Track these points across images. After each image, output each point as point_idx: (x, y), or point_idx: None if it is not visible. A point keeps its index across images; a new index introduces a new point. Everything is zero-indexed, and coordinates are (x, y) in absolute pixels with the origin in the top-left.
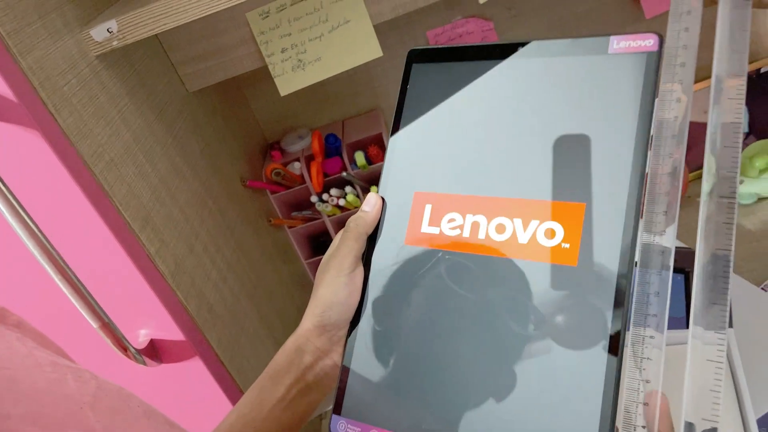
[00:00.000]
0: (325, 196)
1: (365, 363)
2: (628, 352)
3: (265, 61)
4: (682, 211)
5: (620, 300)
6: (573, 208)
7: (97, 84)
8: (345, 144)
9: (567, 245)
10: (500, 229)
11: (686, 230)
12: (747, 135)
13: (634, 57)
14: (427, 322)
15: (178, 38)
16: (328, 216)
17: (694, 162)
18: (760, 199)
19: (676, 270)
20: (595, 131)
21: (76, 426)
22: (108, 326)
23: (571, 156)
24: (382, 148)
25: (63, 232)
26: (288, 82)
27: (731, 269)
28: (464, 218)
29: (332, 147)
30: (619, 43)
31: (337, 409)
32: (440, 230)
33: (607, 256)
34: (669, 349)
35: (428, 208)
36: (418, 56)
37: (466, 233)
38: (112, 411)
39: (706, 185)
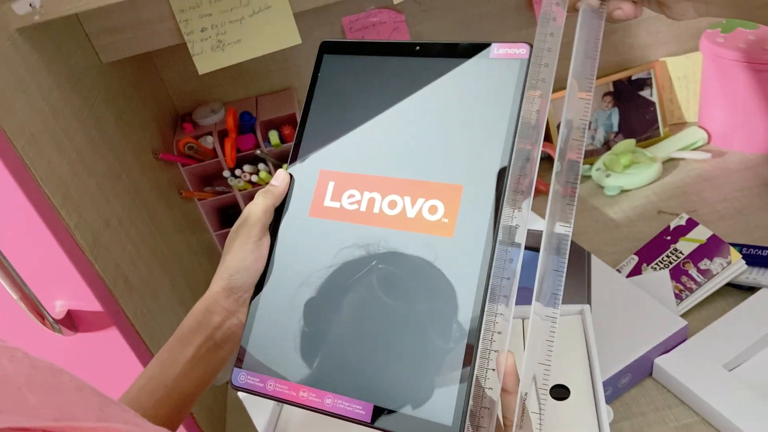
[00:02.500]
0: (237, 172)
1: (266, 322)
2: (482, 324)
3: (183, 38)
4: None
5: (484, 268)
6: (453, 188)
7: (18, 58)
8: (259, 122)
9: (446, 220)
10: (392, 204)
11: None
12: (616, 134)
13: (509, 62)
14: (323, 286)
15: (94, 9)
16: (240, 191)
17: None
18: (623, 191)
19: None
20: (475, 124)
21: (17, 408)
22: (28, 297)
23: (454, 144)
24: (296, 129)
25: None
26: (207, 61)
27: (569, 247)
28: (362, 195)
29: (246, 124)
30: (498, 50)
31: (239, 363)
32: (341, 205)
33: (478, 231)
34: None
35: (331, 184)
36: (329, 48)
37: (363, 208)
38: (48, 389)
39: (556, 165)
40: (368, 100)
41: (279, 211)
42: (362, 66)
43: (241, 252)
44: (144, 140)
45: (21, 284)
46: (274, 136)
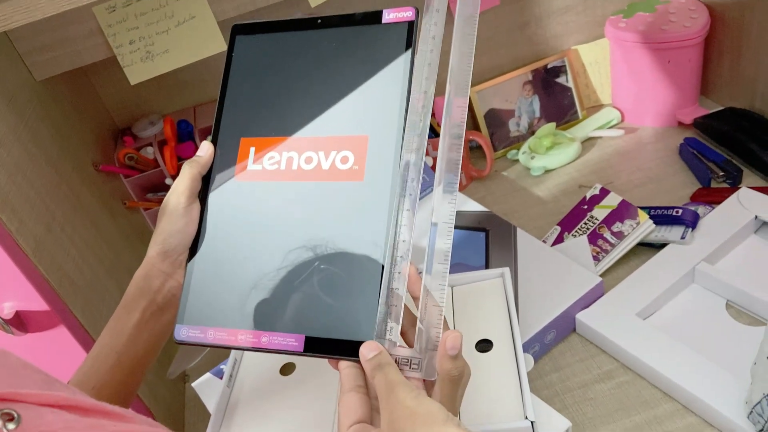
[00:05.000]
0: None
1: (203, 279)
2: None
3: (113, 52)
4: (490, 183)
5: (393, 202)
6: (360, 139)
7: None
8: (197, 129)
9: (356, 167)
10: (308, 160)
11: (493, 198)
12: (539, 119)
13: (399, 25)
14: (252, 239)
15: (24, 29)
16: None
17: (499, 142)
18: (548, 171)
19: (478, 229)
20: (375, 81)
21: None
22: None
23: (358, 101)
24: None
25: None
26: (137, 72)
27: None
28: (281, 155)
29: (185, 132)
30: (389, 15)
31: (180, 319)
32: (263, 167)
33: (384, 174)
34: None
35: (252, 150)
36: (240, 29)
37: (283, 166)
38: None
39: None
40: (279, 72)
41: (206, 179)
42: (272, 42)
43: (172, 217)
44: (84, 153)
45: None
46: None
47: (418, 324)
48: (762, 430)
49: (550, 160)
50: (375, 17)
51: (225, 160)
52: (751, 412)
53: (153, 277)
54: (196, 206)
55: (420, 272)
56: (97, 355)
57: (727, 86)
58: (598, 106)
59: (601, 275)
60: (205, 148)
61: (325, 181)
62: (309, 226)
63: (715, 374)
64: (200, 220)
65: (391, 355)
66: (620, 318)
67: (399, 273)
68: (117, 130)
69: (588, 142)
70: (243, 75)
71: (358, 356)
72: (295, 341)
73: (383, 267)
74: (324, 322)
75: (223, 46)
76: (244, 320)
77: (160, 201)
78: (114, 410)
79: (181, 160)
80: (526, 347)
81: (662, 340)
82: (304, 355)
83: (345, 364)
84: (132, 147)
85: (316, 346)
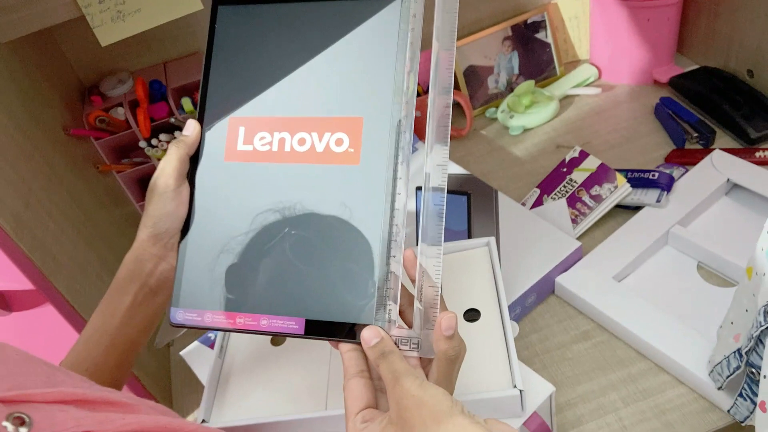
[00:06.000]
0: (154, 141)
1: (196, 262)
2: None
3: (81, 12)
4: (468, 142)
5: (389, 187)
6: (354, 120)
7: None
8: (170, 89)
9: (352, 150)
10: (302, 142)
11: (472, 158)
12: (518, 76)
13: (392, 1)
14: (244, 221)
15: None
16: (158, 160)
17: (478, 100)
18: (526, 130)
19: (460, 192)
20: (368, 59)
21: None
22: None
23: (351, 80)
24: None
25: None
26: (108, 32)
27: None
28: (272, 136)
29: (157, 93)
30: None
31: (175, 302)
32: (254, 147)
33: (380, 158)
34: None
35: (242, 129)
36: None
37: (275, 148)
38: None
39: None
40: (267, 47)
41: (194, 159)
42: (258, 14)
43: (161, 200)
44: (53, 118)
45: None
46: (187, 102)
47: (416, 303)
48: (721, 387)
49: (529, 119)
50: None
51: (213, 140)
52: (712, 371)
53: (144, 260)
54: (186, 188)
55: (416, 253)
56: (89, 338)
57: (703, 45)
58: (575, 62)
59: (578, 237)
60: (192, 128)
61: (319, 163)
62: (304, 209)
63: (685, 335)
64: (190, 202)
65: (390, 336)
66: (597, 281)
67: (395, 255)
68: (84, 89)
69: (565, 101)
70: (228, 49)
71: (358, 339)
72: (296, 324)
73: (380, 249)
74: (323, 303)
75: (199, 5)
76: (242, 303)
77: (133, 165)
78: (119, 399)
79: (154, 121)
80: (509, 311)
81: (637, 302)
82: (304, 338)
83: (346, 347)
84: (101, 107)
85: (316, 329)
